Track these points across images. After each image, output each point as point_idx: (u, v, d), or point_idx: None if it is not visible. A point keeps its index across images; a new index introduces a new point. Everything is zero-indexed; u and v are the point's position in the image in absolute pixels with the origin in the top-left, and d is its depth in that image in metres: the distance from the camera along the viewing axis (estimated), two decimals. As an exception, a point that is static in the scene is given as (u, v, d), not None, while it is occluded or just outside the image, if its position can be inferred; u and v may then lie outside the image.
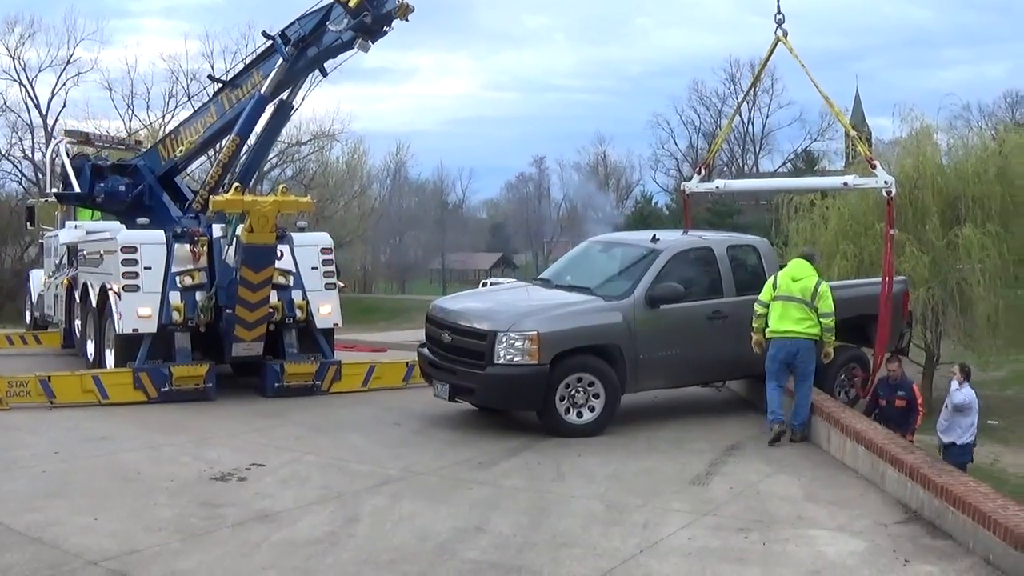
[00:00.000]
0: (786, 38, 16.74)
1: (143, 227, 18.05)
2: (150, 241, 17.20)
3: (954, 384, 16.78)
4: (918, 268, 28.42)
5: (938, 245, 29.89)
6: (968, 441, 16.59)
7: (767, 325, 13.65)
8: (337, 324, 18.26)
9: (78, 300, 20.35)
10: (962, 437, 16.44)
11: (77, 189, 20.31)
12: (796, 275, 13.65)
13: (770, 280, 13.95)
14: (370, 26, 16.34)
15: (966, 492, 9.16)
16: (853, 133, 19.63)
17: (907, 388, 16.45)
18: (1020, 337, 31.71)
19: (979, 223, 30.07)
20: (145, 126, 63.40)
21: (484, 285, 50.22)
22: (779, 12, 16.65)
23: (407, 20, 16.53)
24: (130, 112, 74.70)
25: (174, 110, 68.34)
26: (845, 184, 17.67)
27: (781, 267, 14.69)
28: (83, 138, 24.17)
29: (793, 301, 13.43)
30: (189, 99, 65.27)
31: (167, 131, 24.90)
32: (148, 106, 75.41)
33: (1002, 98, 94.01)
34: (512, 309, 14.23)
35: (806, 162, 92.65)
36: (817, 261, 14.70)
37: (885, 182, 15.54)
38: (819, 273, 13.96)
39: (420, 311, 17.99)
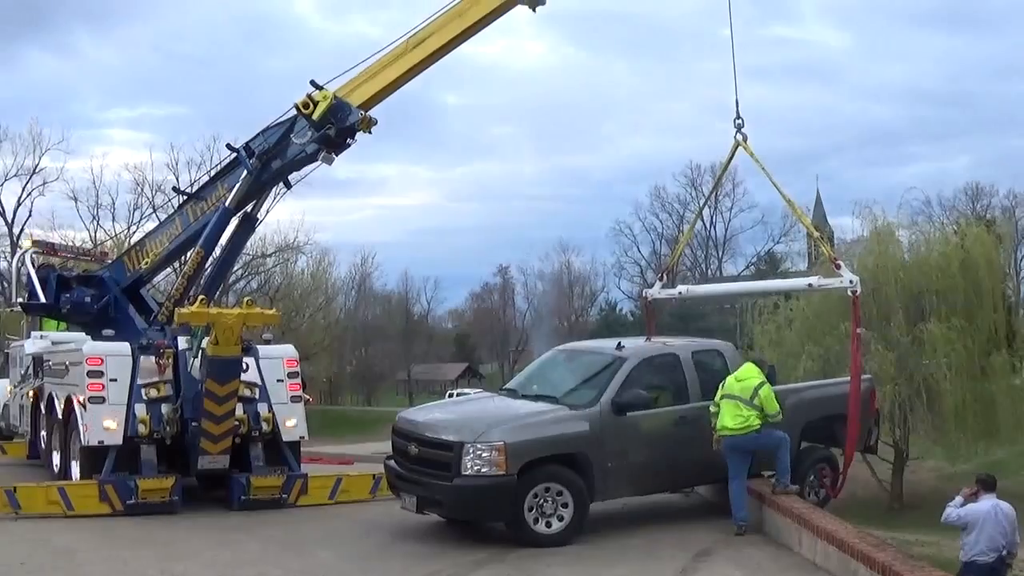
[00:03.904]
0: (746, 142, 16.94)
1: (109, 339, 17.93)
2: (116, 353, 17.14)
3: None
4: (884, 365, 28.68)
5: (903, 342, 30.15)
6: None
7: None
8: (303, 437, 18.15)
9: (44, 411, 20.21)
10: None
11: (43, 299, 20.19)
12: (741, 376, 14.43)
13: (722, 382, 14.58)
14: (334, 139, 16.51)
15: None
16: (816, 235, 19.83)
17: None
18: (988, 429, 31.92)
19: (943, 318, 30.41)
20: (110, 237, 63.46)
21: (450, 396, 50.12)
22: (738, 116, 16.87)
23: (370, 133, 16.76)
24: (95, 223, 74.85)
25: (139, 221, 68.50)
26: (810, 285, 17.87)
27: None
28: (49, 248, 24.13)
29: (733, 399, 14.17)
30: (154, 211, 65.41)
31: (132, 243, 24.89)
32: (113, 217, 75.64)
33: (963, 191, 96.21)
34: (478, 420, 14.23)
35: (769, 264, 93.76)
36: (767, 366, 15.29)
37: (850, 281, 15.68)
38: (769, 376, 14.62)
39: (387, 423, 17.90)
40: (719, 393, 14.48)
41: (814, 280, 17.57)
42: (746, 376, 14.39)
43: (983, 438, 32.42)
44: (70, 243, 33.18)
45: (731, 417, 14.10)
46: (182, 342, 17.16)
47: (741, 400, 14.10)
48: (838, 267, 16.05)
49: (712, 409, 14.47)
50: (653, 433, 14.57)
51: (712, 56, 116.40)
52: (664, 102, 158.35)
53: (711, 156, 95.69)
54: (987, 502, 14.54)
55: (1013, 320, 40.57)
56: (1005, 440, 33.23)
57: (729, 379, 14.54)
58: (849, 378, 16.08)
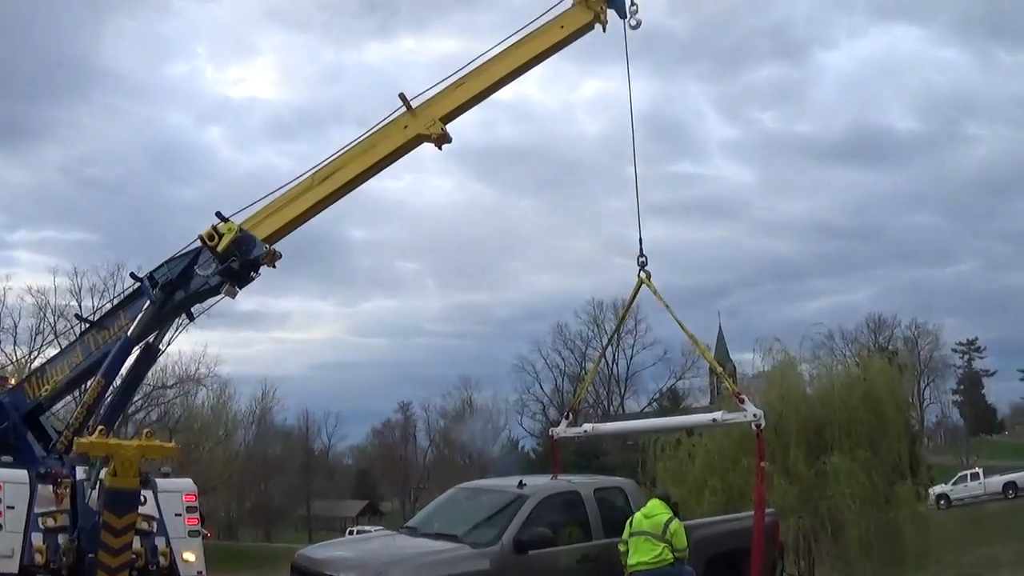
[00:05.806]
0: (649, 279, 17.29)
1: (6, 465, 17.64)
2: (13, 480, 16.76)
3: None
4: (787, 498, 28.77)
5: (806, 475, 30.34)
6: None
7: None
8: (201, 572, 17.77)
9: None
10: None
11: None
12: (649, 513, 14.70)
13: (628, 519, 14.80)
14: (238, 271, 16.53)
15: None
16: (719, 370, 20.17)
17: None
18: (894, 557, 32.04)
19: (847, 450, 30.65)
20: (11, 362, 62.40)
21: (351, 533, 49.60)
22: (642, 255, 17.25)
23: (275, 267, 16.80)
24: (-4, 346, 73.22)
25: (41, 347, 67.35)
26: (714, 420, 18.07)
27: None
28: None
29: (644, 535, 14.39)
30: (56, 337, 64.32)
31: (33, 369, 24.56)
32: (15, 341, 73.86)
33: (865, 324, 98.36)
34: (378, 558, 14.23)
35: (671, 400, 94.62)
36: (672, 500, 15.54)
37: (754, 415, 16.00)
38: (673, 511, 14.91)
39: (286, 559, 17.71)
40: (627, 531, 14.67)
41: (718, 415, 17.78)
42: (655, 512, 14.65)
43: (889, 566, 32.60)
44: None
45: (645, 552, 14.28)
46: (80, 472, 16.86)
47: (652, 536, 14.30)
48: (742, 401, 16.40)
49: (621, 548, 14.66)
50: (556, 571, 14.58)
51: (617, 193, 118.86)
52: (568, 239, 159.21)
53: (613, 292, 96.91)
54: None
55: (917, 449, 41.19)
56: (911, 567, 33.40)
57: (637, 516, 14.76)
58: (752, 512, 16.26)
